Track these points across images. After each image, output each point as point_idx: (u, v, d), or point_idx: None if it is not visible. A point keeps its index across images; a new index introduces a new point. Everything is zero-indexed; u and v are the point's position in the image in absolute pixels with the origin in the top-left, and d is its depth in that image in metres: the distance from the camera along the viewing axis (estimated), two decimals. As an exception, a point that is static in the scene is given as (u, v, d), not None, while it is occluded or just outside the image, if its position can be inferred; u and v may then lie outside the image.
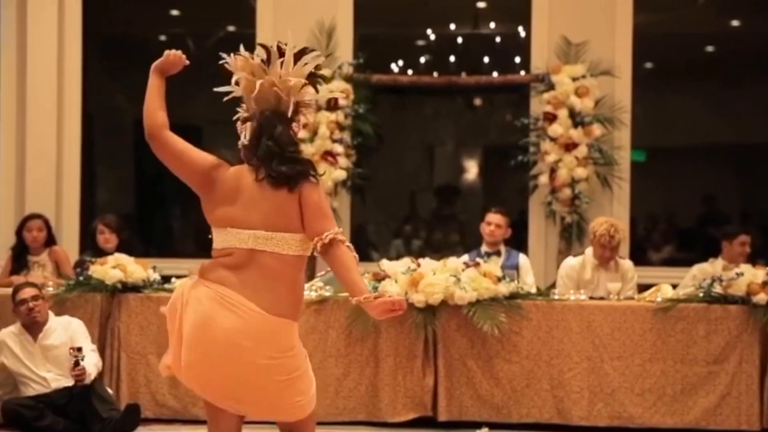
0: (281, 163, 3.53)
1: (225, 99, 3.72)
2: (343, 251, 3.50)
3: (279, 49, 3.62)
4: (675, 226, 9.79)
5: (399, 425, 6.53)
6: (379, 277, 6.61)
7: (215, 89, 3.73)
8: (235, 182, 3.58)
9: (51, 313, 6.36)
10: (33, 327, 6.25)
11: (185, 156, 3.63)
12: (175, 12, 9.90)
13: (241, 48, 3.69)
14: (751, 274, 6.56)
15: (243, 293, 3.48)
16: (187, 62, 3.73)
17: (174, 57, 3.73)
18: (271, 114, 3.61)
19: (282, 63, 3.61)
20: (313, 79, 3.68)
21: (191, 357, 3.51)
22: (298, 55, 3.64)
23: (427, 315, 6.50)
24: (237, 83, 3.68)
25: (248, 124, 3.65)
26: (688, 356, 6.50)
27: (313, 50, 3.70)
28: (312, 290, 6.76)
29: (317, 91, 3.71)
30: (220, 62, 3.70)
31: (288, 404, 3.59)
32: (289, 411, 3.61)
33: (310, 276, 8.23)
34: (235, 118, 3.72)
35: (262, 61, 3.62)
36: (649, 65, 9.39)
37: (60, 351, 6.18)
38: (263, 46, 3.64)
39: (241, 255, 3.53)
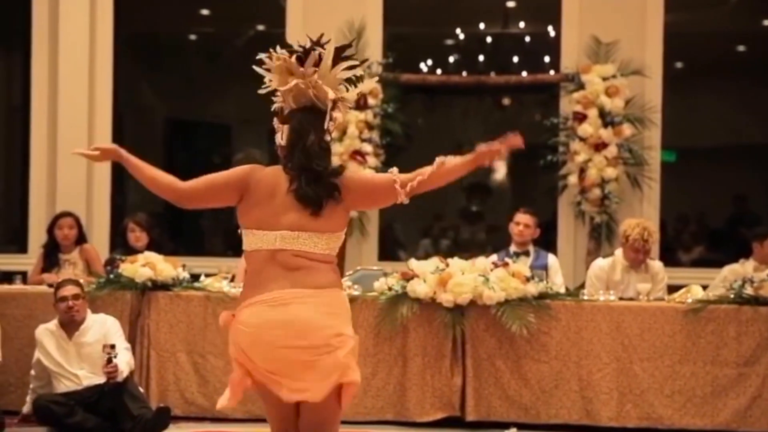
0: (308, 182, 3.54)
1: (262, 91, 3.68)
2: (421, 179, 3.56)
3: (316, 47, 3.61)
4: (705, 227, 9.73)
5: (427, 425, 6.52)
6: (408, 277, 6.61)
7: (259, 91, 3.70)
8: (270, 186, 3.59)
9: (89, 311, 6.40)
10: (70, 324, 6.29)
11: (214, 189, 3.65)
12: (205, 11, 9.94)
13: (278, 48, 3.67)
14: (782, 276, 6.51)
15: (278, 287, 3.50)
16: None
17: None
18: (307, 117, 3.61)
19: (319, 62, 3.59)
20: (348, 83, 3.66)
21: (272, 367, 3.51)
22: (336, 53, 3.62)
23: (456, 315, 6.49)
24: (272, 81, 3.67)
25: (285, 126, 3.63)
26: (718, 358, 6.45)
27: (349, 46, 3.68)
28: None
29: (348, 90, 3.69)
30: (259, 57, 3.67)
31: (341, 366, 3.50)
32: (344, 372, 3.51)
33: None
34: (273, 108, 3.69)
35: (299, 59, 3.60)
36: (679, 65, 9.34)
37: (93, 348, 6.21)
38: (301, 46, 3.62)
39: (266, 255, 3.55)
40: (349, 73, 3.65)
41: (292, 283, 3.50)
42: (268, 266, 3.54)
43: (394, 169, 3.60)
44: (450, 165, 3.59)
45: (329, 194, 3.55)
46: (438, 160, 3.57)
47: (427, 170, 3.58)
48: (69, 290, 6.27)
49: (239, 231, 3.65)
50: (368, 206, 3.68)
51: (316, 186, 3.54)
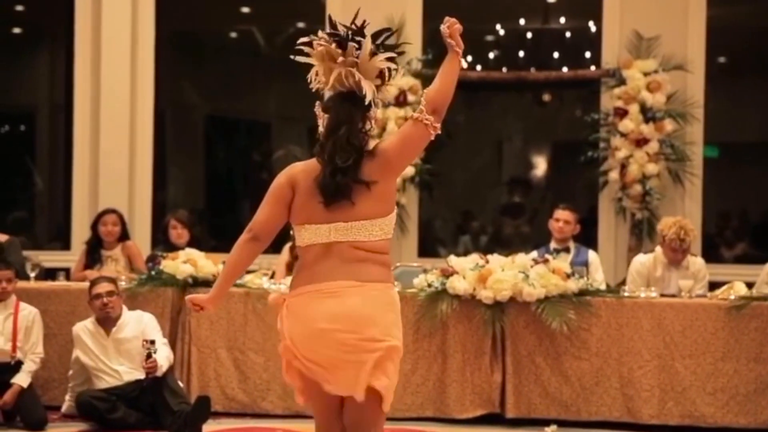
0: (332, 174, 3.54)
1: (313, 86, 3.67)
2: (427, 98, 3.63)
3: (356, 35, 3.59)
4: (748, 223, 9.63)
5: (467, 422, 6.51)
6: (447, 273, 6.60)
7: (312, 86, 3.69)
8: (309, 180, 3.58)
9: (125, 308, 6.45)
10: (106, 321, 6.35)
11: (275, 217, 3.67)
12: (245, 9, 9.99)
13: (320, 32, 3.64)
14: (827, 273, 6.43)
15: (331, 278, 3.51)
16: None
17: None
18: (345, 108, 3.60)
19: (358, 49, 3.58)
20: (387, 72, 3.65)
21: (314, 358, 3.54)
22: (374, 40, 3.60)
23: (496, 311, 6.47)
24: (316, 69, 3.66)
25: (325, 115, 3.63)
26: (762, 355, 6.38)
27: (389, 33, 3.66)
28: (380, 286, 6.76)
29: (383, 83, 3.66)
30: (301, 42, 3.65)
31: (380, 372, 3.52)
32: (375, 376, 3.52)
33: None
34: (318, 105, 3.68)
35: (339, 44, 3.58)
36: (722, 60, 9.25)
37: (132, 344, 6.27)
38: (337, 30, 3.61)
39: (321, 249, 3.55)
40: (387, 65, 3.62)
41: (346, 275, 3.50)
42: (323, 259, 3.54)
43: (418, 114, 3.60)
44: (442, 70, 3.67)
45: (355, 183, 3.52)
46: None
47: (428, 89, 3.65)
48: (103, 287, 6.33)
49: (291, 231, 3.66)
50: (411, 157, 3.65)
51: (343, 177, 3.51)
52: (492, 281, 6.43)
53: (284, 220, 3.65)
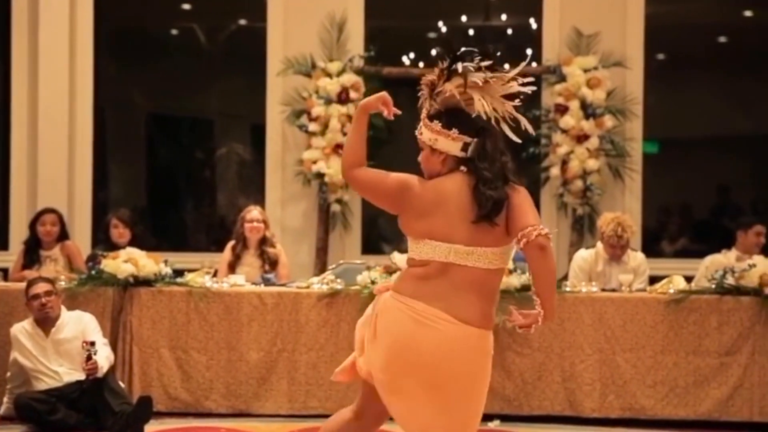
0: (488, 198, 3.51)
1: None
2: (541, 259, 3.43)
3: (483, 58, 3.59)
4: (688, 218, 9.76)
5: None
6: (390, 270, 6.61)
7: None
8: (436, 195, 3.56)
9: (63, 308, 6.38)
10: (45, 322, 6.27)
11: (378, 189, 3.68)
12: (186, 6, 9.91)
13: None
14: (763, 266, 6.53)
15: (436, 305, 3.47)
16: (394, 114, 3.75)
17: (385, 100, 3.76)
18: (501, 136, 3.61)
19: (491, 78, 3.57)
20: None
21: (392, 369, 3.51)
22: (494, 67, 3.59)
23: (439, 307, 6.48)
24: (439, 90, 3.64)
25: (475, 139, 3.58)
26: (700, 348, 6.47)
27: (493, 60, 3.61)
28: (323, 283, 6.77)
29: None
30: (457, 63, 3.62)
31: (474, 417, 3.57)
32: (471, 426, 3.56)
33: (322, 269, 8.26)
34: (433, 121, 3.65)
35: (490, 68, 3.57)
36: (661, 56, 9.36)
37: (72, 345, 6.20)
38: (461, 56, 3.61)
39: (437, 267, 3.51)
40: (517, 88, 3.59)
41: (452, 307, 3.46)
42: (437, 278, 3.49)
43: (541, 228, 3.45)
44: (540, 288, 3.50)
45: (500, 210, 3.50)
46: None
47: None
48: (41, 287, 6.25)
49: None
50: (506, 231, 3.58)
51: (495, 202, 3.49)
52: (435, 277, 6.43)
53: (377, 202, 3.72)
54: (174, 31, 10.07)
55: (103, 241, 7.81)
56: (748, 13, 9.51)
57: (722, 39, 9.72)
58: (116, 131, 9.83)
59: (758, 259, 6.69)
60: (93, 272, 6.80)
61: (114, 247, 7.35)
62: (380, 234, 9.79)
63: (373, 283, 6.60)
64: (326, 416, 6.51)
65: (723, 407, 6.43)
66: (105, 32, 9.37)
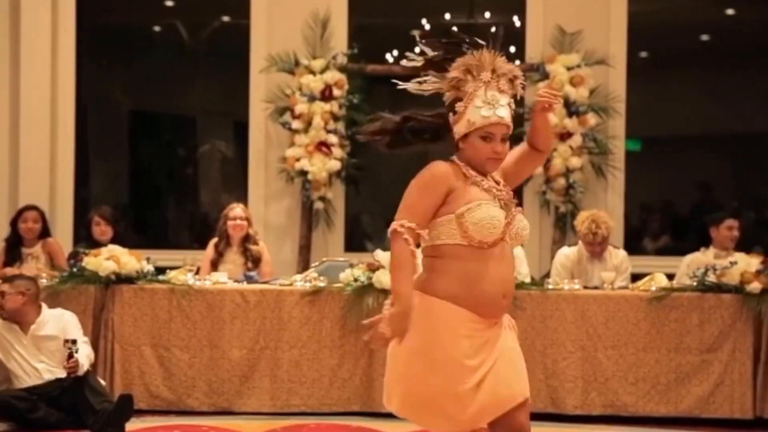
0: None
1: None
2: (394, 248, 3.40)
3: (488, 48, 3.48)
4: (670, 215, 9.79)
5: (393, 415, 6.50)
6: (373, 268, 6.61)
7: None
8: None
9: (44, 306, 6.34)
10: (23, 321, 6.24)
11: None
12: (169, 2, 9.88)
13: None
14: (744, 263, 6.57)
15: None
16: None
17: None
18: None
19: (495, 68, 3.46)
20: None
21: None
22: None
23: (421, 305, 6.49)
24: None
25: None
26: (681, 345, 6.50)
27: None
28: (306, 281, 6.76)
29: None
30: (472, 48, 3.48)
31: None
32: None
33: (305, 266, 8.26)
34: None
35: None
36: (643, 54, 9.38)
37: (52, 343, 6.17)
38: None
39: None
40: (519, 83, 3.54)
41: None
42: None
43: (400, 222, 3.42)
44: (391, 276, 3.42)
45: None
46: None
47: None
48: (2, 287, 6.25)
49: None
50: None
51: None
52: (418, 275, 6.44)
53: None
54: (156, 28, 10.03)
55: (84, 239, 7.79)
56: (730, 12, 9.54)
57: (704, 37, 9.76)
58: (98, 128, 9.79)
59: (739, 256, 6.72)
60: (75, 270, 6.78)
61: (96, 244, 7.33)
62: (363, 232, 9.79)
63: (356, 280, 6.60)
64: (309, 414, 6.55)
65: (704, 404, 6.46)
66: (87, 29, 9.33)
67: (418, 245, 3.44)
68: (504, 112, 3.44)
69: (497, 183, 3.50)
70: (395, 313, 3.31)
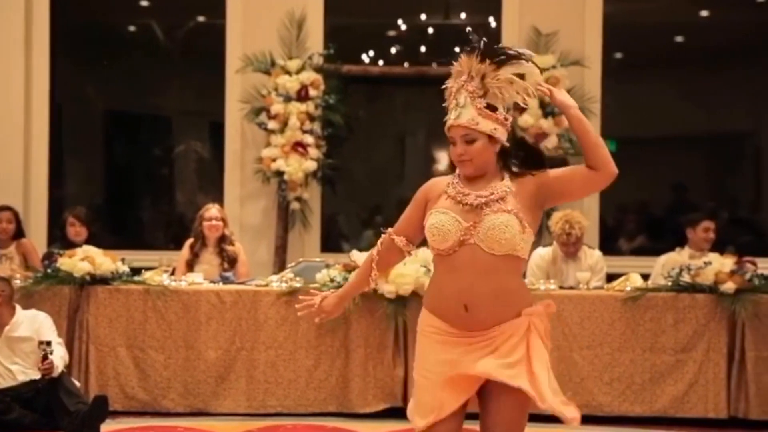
0: None
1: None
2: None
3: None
4: (645, 216, 9.84)
5: (369, 416, 6.53)
6: (350, 268, 6.60)
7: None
8: None
9: (18, 307, 6.31)
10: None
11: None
12: (144, 2, 9.84)
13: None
14: (718, 263, 6.61)
15: None
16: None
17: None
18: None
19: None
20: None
21: None
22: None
23: (398, 306, 6.50)
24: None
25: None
26: (656, 345, 6.54)
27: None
28: (282, 281, 6.75)
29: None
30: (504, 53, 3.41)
31: None
32: None
33: (281, 267, 8.25)
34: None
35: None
36: (618, 55, 9.42)
37: (27, 344, 6.14)
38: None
39: None
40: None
41: None
42: None
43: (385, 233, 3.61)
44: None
45: None
46: None
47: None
48: None
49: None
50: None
51: None
52: (394, 275, 6.45)
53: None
54: (132, 28, 9.99)
55: (59, 239, 7.75)
56: (704, 13, 9.60)
57: (679, 38, 9.81)
58: (73, 128, 9.73)
59: (713, 256, 6.76)
60: (49, 270, 6.75)
61: (70, 245, 7.29)
62: (339, 232, 9.79)
63: (332, 281, 6.60)
64: (284, 415, 6.54)
65: (678, 404, 6.50)
66: (62, 28, 9.27)
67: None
68: (460, 114, 3.37)
69: (490, 189, 3.38)
70: (331, 294, 3.68)
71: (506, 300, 3.37)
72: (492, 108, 3.36)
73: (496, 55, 3.39)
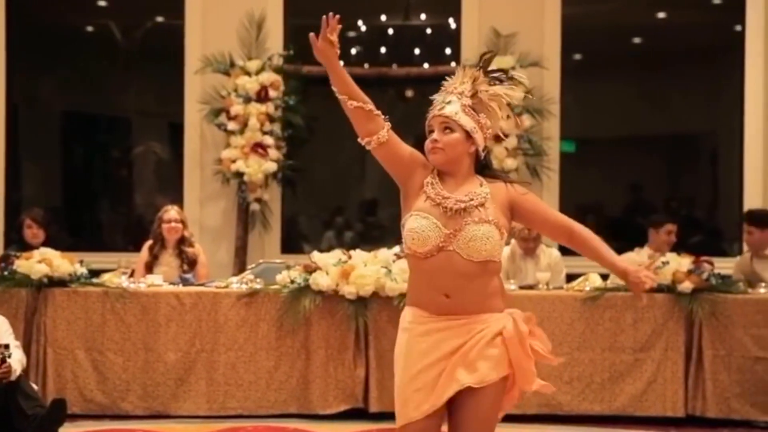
0: None
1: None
2: None
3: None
4: (604, 216, 9.90)
5: (330, 417, 6.52)
6: (310, 269, 6.60)
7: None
8: None
9: (-26, 309, 6.24)
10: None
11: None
12: (102, 2, 9.76)
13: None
14: (676, 263, 6.67)
15: None
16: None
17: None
18: None
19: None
20: None
21: None
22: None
23: (359, 307, 6.50)
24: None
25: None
26: (615, 344, 6.58)
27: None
28: (242, 283, 6.73)
29: None
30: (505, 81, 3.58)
31: None
32: None
33: (241, 268, 8.22)
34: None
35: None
36: (577, 56, 9.49)
37: (-18, 347, 6.06)
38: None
39: None
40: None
41: None
42: None
43: None
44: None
45: None
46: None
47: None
48: None
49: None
50: None
51: None
52: (355, 277, 6.45)
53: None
54: (89, 28, 9.91)
55: (16, 242, 7.67)
56: (661, 15, 9.68)
57: (637, 40, 9.89)
58: (29, 129, 9.63)
59: (671, 256, 6.82)
60: (6, 273, 6.68)
61: (27, 247, 7.23)
62: (300, 233, 9.77)
63: (292, 282, 6.59)
64: (245, 417, 6.51)
65: (637, 402, 6.55)
66: (17, 28, 9.18)
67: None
68: (444, 107, 3.49)
69: (469, 194, 3.43)
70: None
71: (485, 292, 3.43)
72: (476, 111, 3.47)
73: (495, 72, 3.55)
